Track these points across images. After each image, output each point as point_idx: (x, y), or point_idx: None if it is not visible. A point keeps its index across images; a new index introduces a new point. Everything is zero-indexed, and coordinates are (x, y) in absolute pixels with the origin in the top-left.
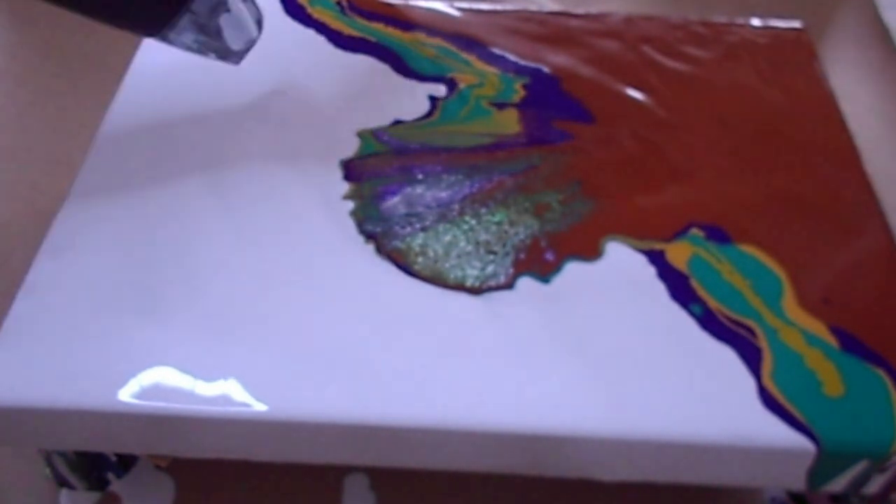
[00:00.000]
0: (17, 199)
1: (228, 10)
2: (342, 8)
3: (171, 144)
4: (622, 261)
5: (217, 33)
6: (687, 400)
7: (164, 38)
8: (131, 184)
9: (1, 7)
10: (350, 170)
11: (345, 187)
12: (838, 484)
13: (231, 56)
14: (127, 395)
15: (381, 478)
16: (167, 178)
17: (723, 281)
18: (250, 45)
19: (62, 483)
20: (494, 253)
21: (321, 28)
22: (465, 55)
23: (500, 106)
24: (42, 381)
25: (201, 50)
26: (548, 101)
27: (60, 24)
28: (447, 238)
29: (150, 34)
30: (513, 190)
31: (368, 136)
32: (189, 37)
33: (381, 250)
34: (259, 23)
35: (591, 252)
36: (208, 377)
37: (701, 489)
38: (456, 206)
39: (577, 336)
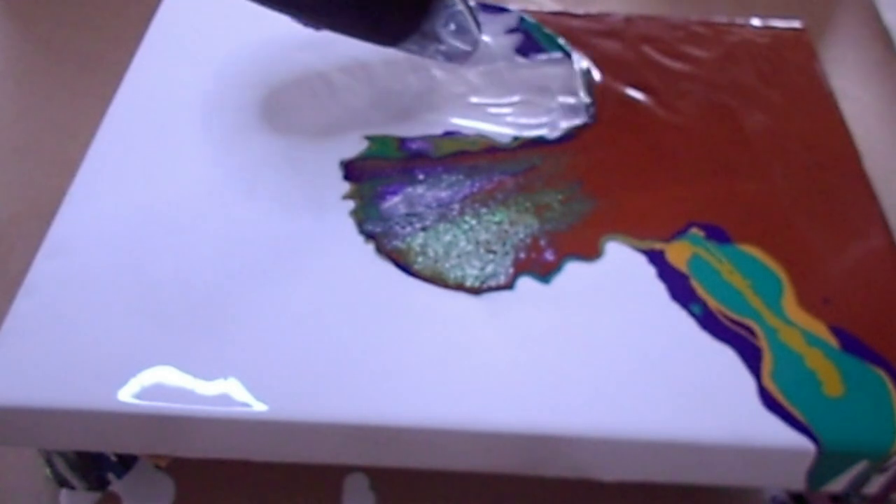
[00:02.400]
0: (17, 199)
1: (455, 19)
2: None
3: (171, 144)
4: (622, 261)
5: (445, 40)
6: (687, 400)
7: (397, 47)
8: (131, 183)
9: (1, 7)
10: (350, 170)
11: (345, 187)
12: (838, 484)
13: (457, 58)
14: (127, 395)
15: (381, 478)
16: (167, 178)
17: (723, 281)
18: (475, 46)
19: (62, 483)
20: (494, 252)
21: (321, 27)
22: None
23: None
24: (42, 381)
25: (432, 55)
26: None
27: (60, 24)
28: (447, 238)
29: (387, 45)
30: (513, 190)
31: (387, 142)
32: (421, 45)
33: (381, 250)
34: (479, 25)
35: (591, 252)
36: (208, 377)
37: (701, 489)
38: (456, 206)
39: (577, 336)
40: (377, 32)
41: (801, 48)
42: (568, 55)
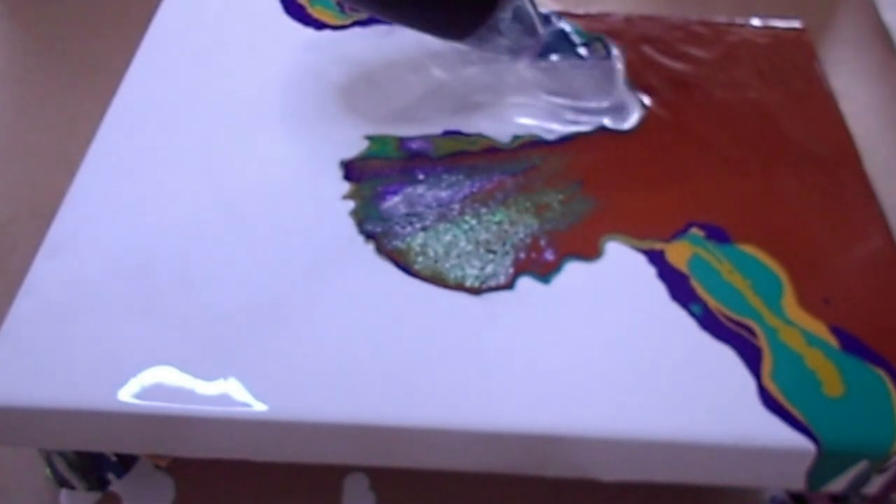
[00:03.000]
0: (17, 199)
1: (520, 13)
2: (342, 7)
3: (171, 144)
4: (622, 261)
5: (510, 34)
6: (687, 400)
7: (463, 42)
8: (131, 183)
9: (1, 8)
10: (350, 170)
11: (345, 187)
12: (838, 484)
13: (521, 53)
14: (127, 395)
15: (381, 478)
16: (167, 178)
17: (723, 281)
18: (538, 41)
19: (62, 483)
20: (494, 252)
21: (321, 27)
22: None
23: None
24: (42, 381)
25: (496, 49)
26: None
27: (60, 24)
28: (447, 238)
29: (454, 40)
30: (513, 190)
31: (387, 141)
32: (487, 39)
33: (381, 250)
34: (542, 19)
35: (591, 252)
36: (208, 377)
37: (701, 489)
38: (456, 206)
39: (577, 336)
40: (446, 27)
41: (801, 48)
42: (609, 53)
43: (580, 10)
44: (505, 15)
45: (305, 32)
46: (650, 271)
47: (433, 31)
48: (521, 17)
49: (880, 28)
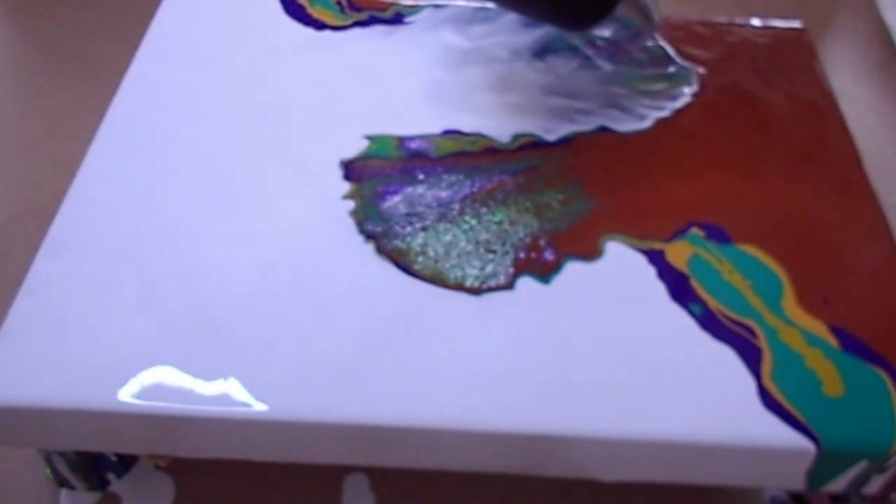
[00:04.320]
0: (17, 199)
1: (641, 5)
2: (342, 7)
3: (171, 144)
4: (622, 261)
5: (630, 22)
6: (687, 400)
7: (581, 31)
8: (131, 184)
9: (1, 8)
10: (350, 170)
11: (345, 187)
12: (838, 484)
13: (639, 39)
14: (127, 395)
15: (381, 478)
16: (167, 178)
17: (723, 281)
18: (655, 30)
19: (62, 483)
20: (494, 252)
21: (321, 27)
22: None
23: None
24: (42, 381)
25: (614, 38)
26: None
27: (60, 25)
28: (447, 238)
29: (579, 30)
30: (513, 190)
31: (387, 141)
32: (610, 28)
33: (381, 250)
34: (657, 5)
35: (591, 251)
36: (208, 377)
37: (701, 489)
38: (456, 206)
39: (577, 336)
40: (572, 18)
41: (801, 48)
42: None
43: None
44: (627, 7)
45: (305, 32)
46: (650, 271)
47: (557, 23)
48: (640, 5)
49: (880, 28)
